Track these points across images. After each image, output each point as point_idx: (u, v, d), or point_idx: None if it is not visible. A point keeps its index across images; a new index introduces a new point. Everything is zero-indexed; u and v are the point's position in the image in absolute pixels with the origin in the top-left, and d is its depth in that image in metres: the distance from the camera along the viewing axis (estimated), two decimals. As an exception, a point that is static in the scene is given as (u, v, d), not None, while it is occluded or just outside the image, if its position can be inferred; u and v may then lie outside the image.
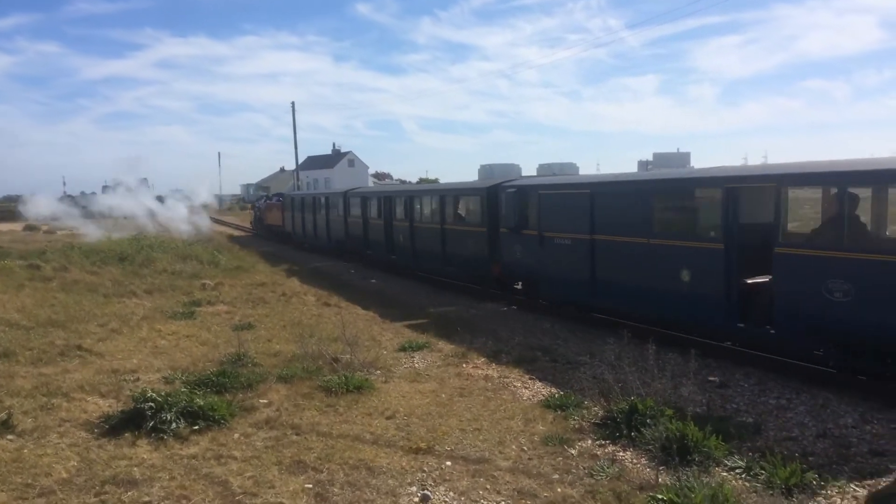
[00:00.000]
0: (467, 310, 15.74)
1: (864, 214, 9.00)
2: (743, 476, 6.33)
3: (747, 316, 10.03)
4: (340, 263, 26.29)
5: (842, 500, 5.78)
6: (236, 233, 48.32)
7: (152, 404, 7.72)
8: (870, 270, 8.28)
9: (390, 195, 23.53)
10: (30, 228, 49.23)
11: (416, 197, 21.46)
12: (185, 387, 8.90)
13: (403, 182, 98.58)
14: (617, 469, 6.55)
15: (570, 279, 13.64)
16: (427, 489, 6.21)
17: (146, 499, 6.03)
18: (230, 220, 62.94)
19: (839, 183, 8.88)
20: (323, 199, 30.27)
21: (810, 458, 6.72)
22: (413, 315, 14.92)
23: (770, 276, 9.60)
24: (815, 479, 6.04)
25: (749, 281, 10.11)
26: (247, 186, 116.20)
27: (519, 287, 16.47)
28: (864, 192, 9.02)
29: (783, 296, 9.27)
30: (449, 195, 19.42)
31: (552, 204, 14.34)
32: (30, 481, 6.36)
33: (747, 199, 10.27)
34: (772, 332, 9.52)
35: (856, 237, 8.65)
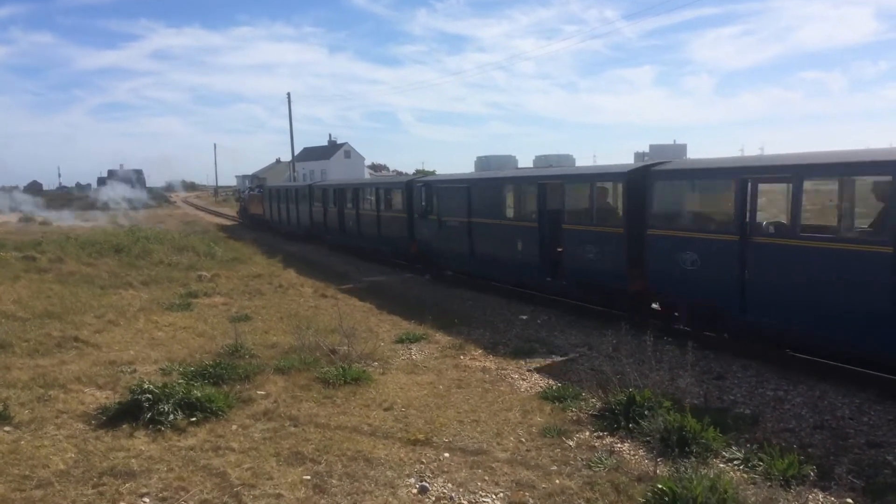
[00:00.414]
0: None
1: (609, 202, 13.26)
2: (741, 467, 6.34)
3: (555, 273, 14.17)
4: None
5: (839, 491, 5.78)
6: (226, 222, 51.25)
7: (150, 396, 7.69)
8: (606, 239, 12.62)
9: (342, 188, 27.70)
10: (25, 220, 49.07)
11: (359, 189, 25.70)
12: (182, 378, 8.87)
13: (400, 173, 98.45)
14: (615, 460, 6.56)
15: (458, 252, 17.93)
16: (425, 480, 6.21)
17: (144, 490, 6.02)
18: (225, 211, 64.21)
19: (596, 180, 13.27)
20: (294, 191, 34.71)
21: (808, 450, 6.74)
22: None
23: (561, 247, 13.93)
24: (812, 471, 6.05)
25: (559, 249, 14.02)
26: (243, 178, 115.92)
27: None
28: (615, 186, 13.08)
29: (568, 259, 13.70)
30: (382, 188, 23.95)
31: (446, 196, 18.69)
32: (27, 473, 6.34)
33: (551, 192, 14.48)
34: (564, 283, 13.96)
35: (601, 217, 12.95)
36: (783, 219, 10.11)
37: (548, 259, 14.37)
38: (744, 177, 9.94)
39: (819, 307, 8.77)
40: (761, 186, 10.06)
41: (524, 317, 13.73)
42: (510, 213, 16.11)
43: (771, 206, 11.45)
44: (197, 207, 78.85)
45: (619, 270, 12.25)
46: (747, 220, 9.85)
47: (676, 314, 11.55)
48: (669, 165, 12.13)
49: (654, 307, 12.33)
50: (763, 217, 10.35)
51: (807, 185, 9.33)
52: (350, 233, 26.06)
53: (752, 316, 9.81)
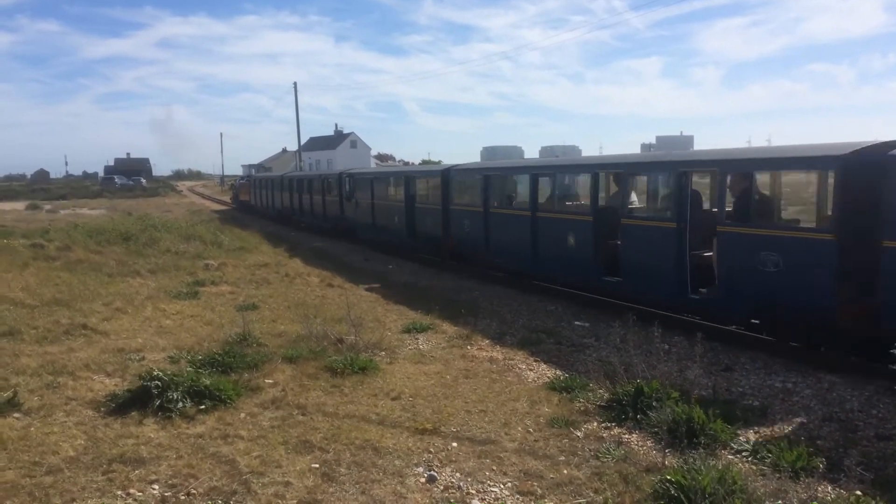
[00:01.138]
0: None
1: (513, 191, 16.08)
2: (749, 459, 6.34)
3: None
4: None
5: (849, 483, 5.77)
6: (221, 207, 58.12)
7: (158, 383, 7.72)
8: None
9: (303, 178, 35.83)
10: (32, 207, 49.24)
11: (313, 180, 33.49)
12: (190, 366, 8.91)
13: (407, 164, 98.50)
14: (623, 451, 6.56)
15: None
16: (433, 470, 6.22)
17: (153, 477, 6.05)
18: (227, 198, 67.50)
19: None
20: (271, 181, 43.72)
21: (817, 442, 6.73)
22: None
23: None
24: (821, 463, 6.04)
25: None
26: (248, 167, 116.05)
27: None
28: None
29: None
30: (328, 178, 31.02)
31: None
32: (37, 459, 6.37)
33: (497, 182, 16.73)
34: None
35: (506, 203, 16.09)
36: None
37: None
38: None
39: None
40: None
41: (550, 307, 13.74)
42: (465, 199, 17.71)
43: None
44: (203, 196, 79.90)
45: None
46: None
47: None
48: None
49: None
50: None
51: None
52: (307, 213, 33.99)
53: None
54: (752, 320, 10.22)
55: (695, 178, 11.14)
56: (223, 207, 57.31)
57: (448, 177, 18.99)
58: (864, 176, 8.53)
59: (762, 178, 10.40)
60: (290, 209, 36.90)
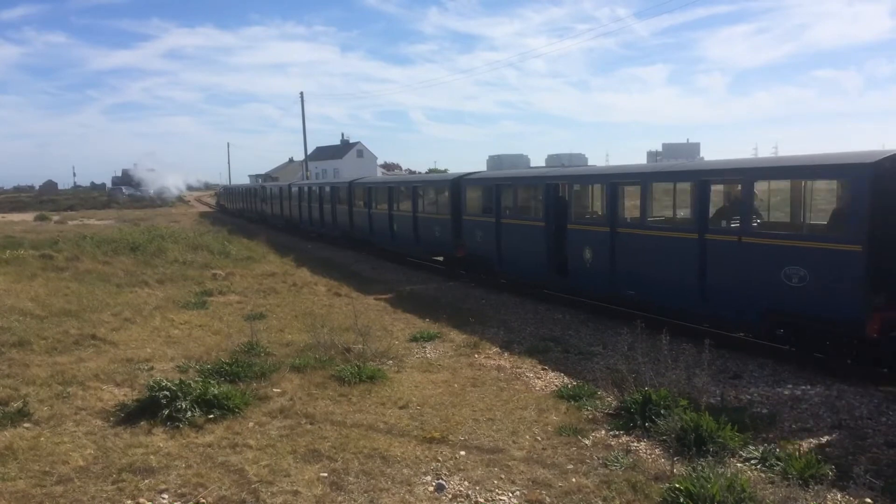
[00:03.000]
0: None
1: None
2: (759, 467, 6.32)
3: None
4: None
5: (858, 491, 5.75)
6: (209, 210, 72.78)
7: (167, 393, 7.76)
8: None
9: (252, 188, 50.48)
10: (41, 218, 49.47)
11: (258, 189, 46.57)
12: (199, 376, 8.95)
13: (412, 172, 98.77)
14: (631, 459, 6.55)
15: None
16: (442, 478, 6.23)
17: (163, 486, 6.07)
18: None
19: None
20: (245, 189, 58.72)
21: (826, 449, 6.71)
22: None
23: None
24: (831, 471, 6.02)
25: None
26: (255, 177, 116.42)
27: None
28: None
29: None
30: (271, 188, 43.53)
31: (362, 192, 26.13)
32: (47, 469, 6.41)
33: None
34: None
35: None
36: None
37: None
38: None
39: None
40: None
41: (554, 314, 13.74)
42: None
43: None
44: (210, 206, 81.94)
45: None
46: None
47: None
48: None
49: None
50: None
51: None
52: (282, 217, 40.04)
53: None
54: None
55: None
56: (210, 210, 74.63)
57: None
58: (344, 188, 19.19)
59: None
60: (266, 213, 46.06)
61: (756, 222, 10.33)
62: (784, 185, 10.74)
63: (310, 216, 33.66)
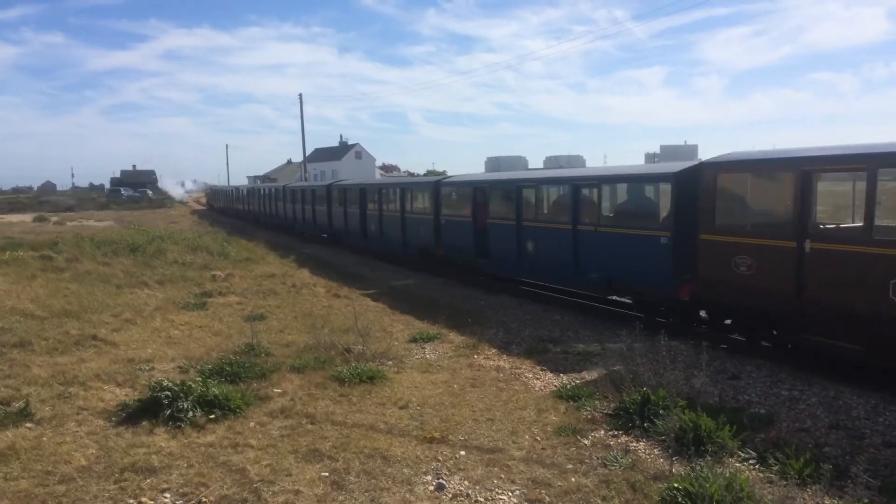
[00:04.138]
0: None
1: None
2: (757, 466, 6.37)
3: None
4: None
5: (856, 490, 5.79)
6: (200, 208, 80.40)
7: (168, 393, 7.79)
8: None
9: (247, 189, 56.88)
10: (40, 219, 49.49)
11: (231, 190, 61.10)
12: (199, 376, 8.98)
13: (412, 174, 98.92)
14: (630, 459, 6.60)
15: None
16: (442, 478, 6.27)
17: (165, 486, 6.11)
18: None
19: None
20: (226, 191, 71.27)
21: (824, 450, 6.76)
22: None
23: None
24: (828, 471, 6.06)
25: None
26: (253, 178, 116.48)
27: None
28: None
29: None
30: (242, 189, 58.49)
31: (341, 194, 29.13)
32: (49, 468, 6.44)
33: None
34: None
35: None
36: None
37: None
38: None
39: None
40: None
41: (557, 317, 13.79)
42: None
43: None
44: (203, 206, 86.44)
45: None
46: None
47: None
48: None
49: None
50: None
51: None
52: (263, 215, 46.32)
53: None
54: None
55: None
56: (202, 208, 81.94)
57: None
58: (327, 190, 26.68)
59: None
60: (246, 212, 53.33)
61: (609, 216, 13.46)
62: (623, 187, 13.75)
63: (270, 212, 44.26)
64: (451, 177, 22.72)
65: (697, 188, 10.91)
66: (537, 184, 16.42)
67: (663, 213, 12.11)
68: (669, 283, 11.33)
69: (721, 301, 10.74)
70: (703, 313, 11.70)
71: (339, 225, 29.70)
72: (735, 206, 10.76)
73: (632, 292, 12.97)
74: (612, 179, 13.92)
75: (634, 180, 13.27)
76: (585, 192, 14.08)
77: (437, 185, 20.83)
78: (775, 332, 10.17)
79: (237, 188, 63.16)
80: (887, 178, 8.90)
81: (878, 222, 8.89)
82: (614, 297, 13.87)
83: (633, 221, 12.65)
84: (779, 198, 10.15)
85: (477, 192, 18.69)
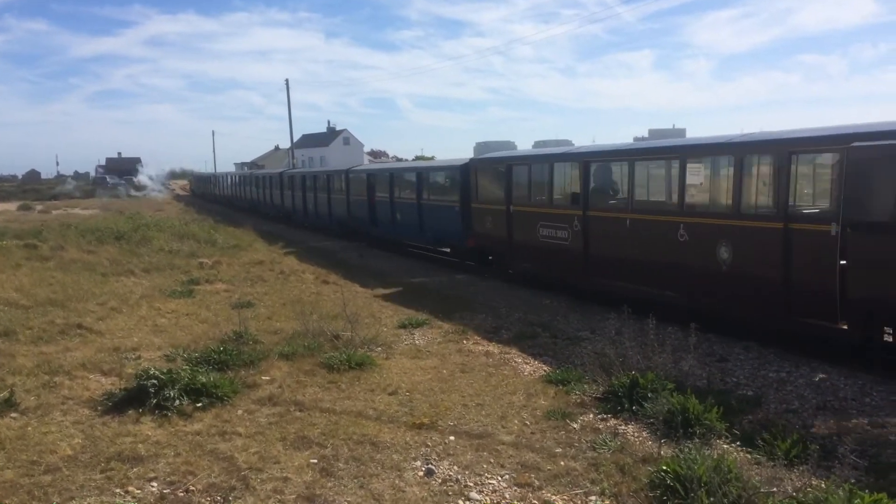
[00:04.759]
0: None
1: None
2: (744, 448, 6.38)
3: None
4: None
5: (843, 471, 5.82)
6: (184, 194, 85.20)
7: (155, 381, 7.72)
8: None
9: (224, 175, 62.47)
10: (25, 208, 49.02)
11: (210, 177, 71.12)
12: (186, 364, 8.91)
13: (399, 160, 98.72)
14: (619, 442, 6.60)
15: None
16: (431, 463, 6.25)
17: (152, 475, 6.06)
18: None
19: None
20: (205, 177, 79.24)
21: (811, 430, 6.79)
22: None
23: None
24: (815, 451, 6.08)
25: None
26: (241, 165, 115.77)
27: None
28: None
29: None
30: (217, 176, 67.07)
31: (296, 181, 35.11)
32: (35, 458, 6.38)
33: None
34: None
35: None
36: None
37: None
38: None
39: None
40: None
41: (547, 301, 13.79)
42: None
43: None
44: (187, 192, 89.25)
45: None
46: None
47: None
48: None
49: None
50: None
51: None
52: (236, 199, 52.49)
53: None
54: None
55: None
56: (185, 194, 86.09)
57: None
58: (279, 177, 37.69)
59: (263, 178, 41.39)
60: (226, 197, 57.57)
61: (428, 193, 20.49)
62: (440, 174, 20.64)
63: (241, 196, 50.50)
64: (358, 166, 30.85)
65: (470, 176, 17.62)
66: (401, 173, 24.08)
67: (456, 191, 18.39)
68: (461, 236, 18.13)
69: (485, 245, 17.15)
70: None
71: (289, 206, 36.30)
72: (486, 187, 17.04)
73: (447, 244, 20.16)
74: (433, 169, 21.67)
75: (445, 170, 20.14)
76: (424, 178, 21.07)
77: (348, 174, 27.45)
78: (492, 259, 17.32)
79: (216, 175, 69.79)
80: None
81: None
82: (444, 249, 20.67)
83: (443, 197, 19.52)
84: (499, 182, 16.30)
85: (370, 177, 25.40)
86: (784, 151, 9.43)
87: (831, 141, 9.18)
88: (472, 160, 18.76)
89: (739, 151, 10.24)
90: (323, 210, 30.64)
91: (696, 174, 11.09)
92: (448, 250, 20.60)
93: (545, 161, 15.21)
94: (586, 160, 13.67)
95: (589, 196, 13.40)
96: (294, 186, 34.65)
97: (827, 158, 9.68)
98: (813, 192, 10.59)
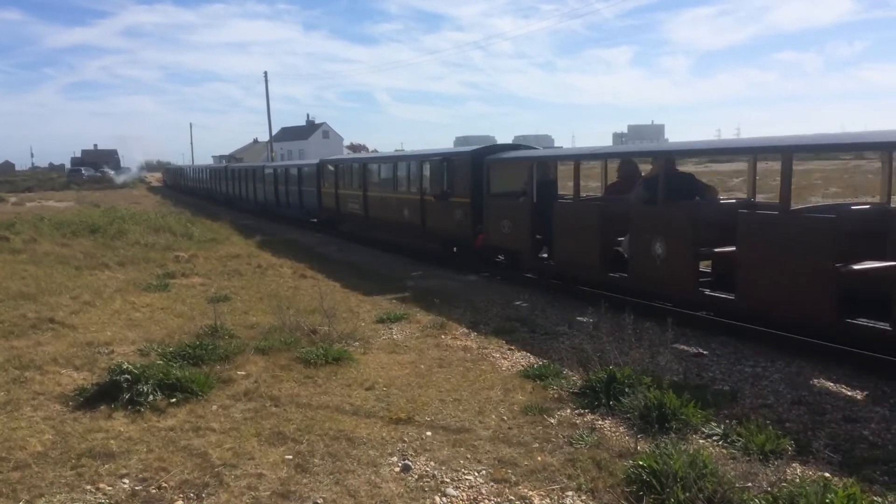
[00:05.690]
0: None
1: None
2: (720, 443, 6.41)
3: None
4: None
5: (817, 464, 5.86)
6: (157, 184, 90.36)
7: (128, 376, 7.60)
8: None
9: (193, 168, 69.61)
10: (-3, 200, 48.21)
11: (193, 168, 70.54)
12: (161, 359, 8.80)
13: (377, 153, 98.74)
14: (596, 437, 6.60)
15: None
16: (408, 459, 6.21)
17: (124, 471, 5.96)
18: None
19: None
20: (176, 169, 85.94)
21: (786, 425, 6.83)
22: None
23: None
24: (790, 445, 6.13)
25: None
26: (219, 158, 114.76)
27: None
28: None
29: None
30: (188, 169, 74.49)
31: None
32: (4, 455, 6.25)
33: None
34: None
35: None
36: None
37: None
38: None
39: None
40: None
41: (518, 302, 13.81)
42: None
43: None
44: (161, 183, 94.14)
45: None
46: None
47: None
48: None
49: None
50: None
51: None
52: (205, 191, 56.77)
53: None
54: None
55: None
56: (159, 185, 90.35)
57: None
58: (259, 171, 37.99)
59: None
60: (197, 189, 61.36)
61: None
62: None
63: (210, 187, 54.52)
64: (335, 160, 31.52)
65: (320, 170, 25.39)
66: (374, 162, 24.82)
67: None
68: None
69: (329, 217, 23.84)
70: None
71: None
72: (329, 179, 24.57)
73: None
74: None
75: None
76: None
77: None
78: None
79: (185, 168, 78.33)
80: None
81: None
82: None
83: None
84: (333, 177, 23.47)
85: (321, 168, 27.45)
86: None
87: None
88: (321, 160, 28.38)
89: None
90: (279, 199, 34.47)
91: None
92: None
93: (351, 163, 26.14)
94: (365, 163, 24.03)
95: (367, 184, 22.93)
96: (265, 180, 36.84)
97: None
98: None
